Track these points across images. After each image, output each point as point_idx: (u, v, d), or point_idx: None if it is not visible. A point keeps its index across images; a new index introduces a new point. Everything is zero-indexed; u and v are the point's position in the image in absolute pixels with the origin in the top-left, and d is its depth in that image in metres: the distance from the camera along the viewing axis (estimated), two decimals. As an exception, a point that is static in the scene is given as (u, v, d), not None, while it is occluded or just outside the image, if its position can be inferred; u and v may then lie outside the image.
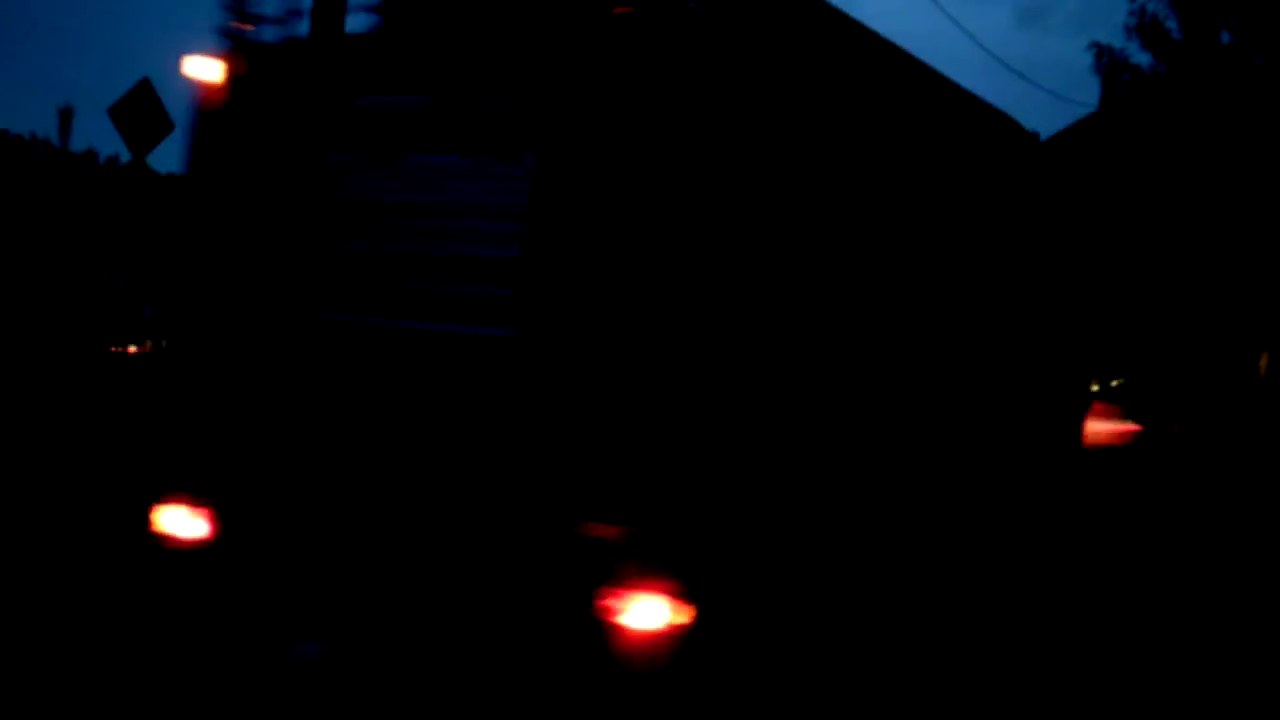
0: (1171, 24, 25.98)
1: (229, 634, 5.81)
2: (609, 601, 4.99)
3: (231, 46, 6.15)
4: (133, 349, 20.79)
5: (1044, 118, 18.38)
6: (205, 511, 5.95)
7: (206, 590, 5.94)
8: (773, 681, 5.71)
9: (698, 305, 5.15)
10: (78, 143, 50.26)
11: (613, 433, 5.06)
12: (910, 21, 24.91)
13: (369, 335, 5.66)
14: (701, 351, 5.19)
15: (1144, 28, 25.96)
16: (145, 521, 6.06)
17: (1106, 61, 26.36)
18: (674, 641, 4.99)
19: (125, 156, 18.49)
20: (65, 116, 53.83)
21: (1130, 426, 13.63)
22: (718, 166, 5.21)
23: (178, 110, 14.54)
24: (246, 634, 5.78)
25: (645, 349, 5.07)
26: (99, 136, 67.29)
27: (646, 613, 4.94)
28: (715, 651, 5.23)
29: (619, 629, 4.95)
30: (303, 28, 6.45)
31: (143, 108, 14.50)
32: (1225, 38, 25.67)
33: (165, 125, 14.55)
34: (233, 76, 6.07)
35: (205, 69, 6.07)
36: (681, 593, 5.00)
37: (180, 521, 5.99)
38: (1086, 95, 45.44)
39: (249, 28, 6.13)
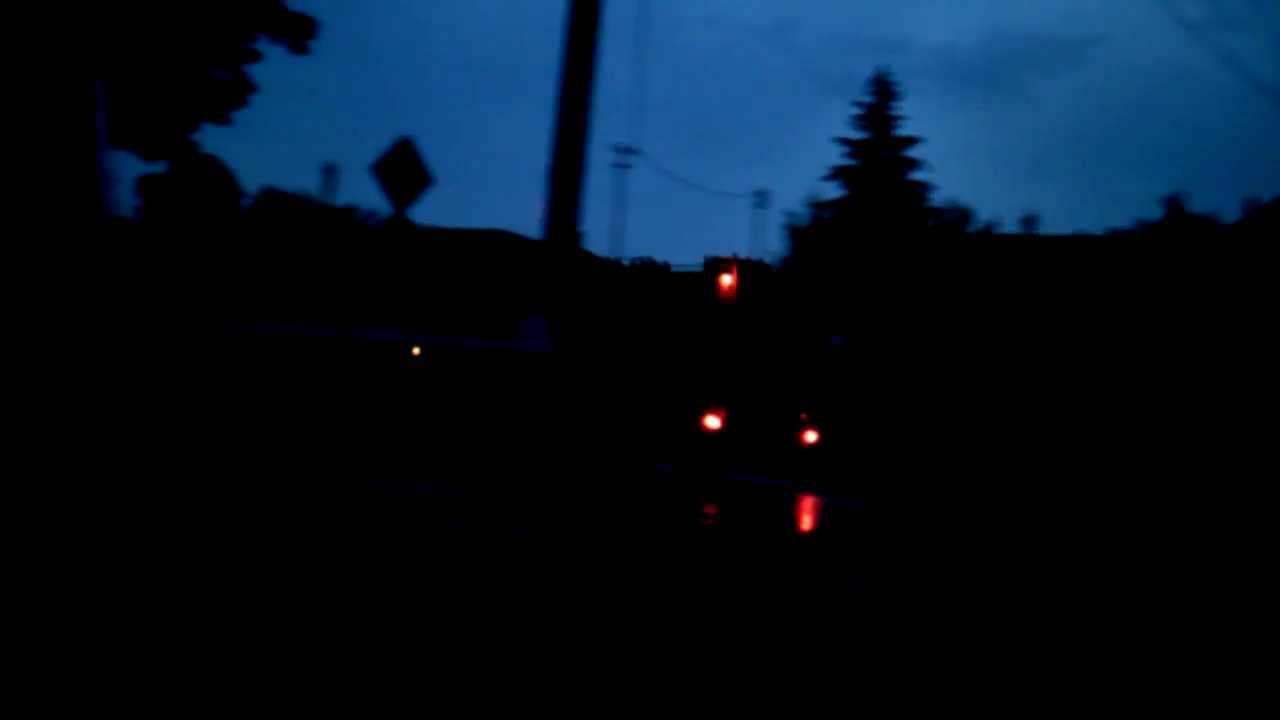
0: None
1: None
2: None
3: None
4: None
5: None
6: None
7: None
8: None
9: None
10: (341, 198, 53.00)
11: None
12: (1174, 50, 23.79)
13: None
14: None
15: None
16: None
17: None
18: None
19: (386, 211, 19.32)
20: (329, 174, 57.09)
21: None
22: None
23: (434, 166, 15.22)
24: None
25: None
26: (361, 192, 70.72)
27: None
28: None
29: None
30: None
31: (403, 165, 15.11)
32: None
33: (424, 180, 15.12)
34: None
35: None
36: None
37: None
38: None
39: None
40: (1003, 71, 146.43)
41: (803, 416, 22.71)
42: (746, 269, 33.74)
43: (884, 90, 45.03)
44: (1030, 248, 35.13)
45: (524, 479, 14.65)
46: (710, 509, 15.56)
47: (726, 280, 30.75)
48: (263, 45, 21.85)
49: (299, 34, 21.73)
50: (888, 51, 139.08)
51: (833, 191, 45.20)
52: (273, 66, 22.61)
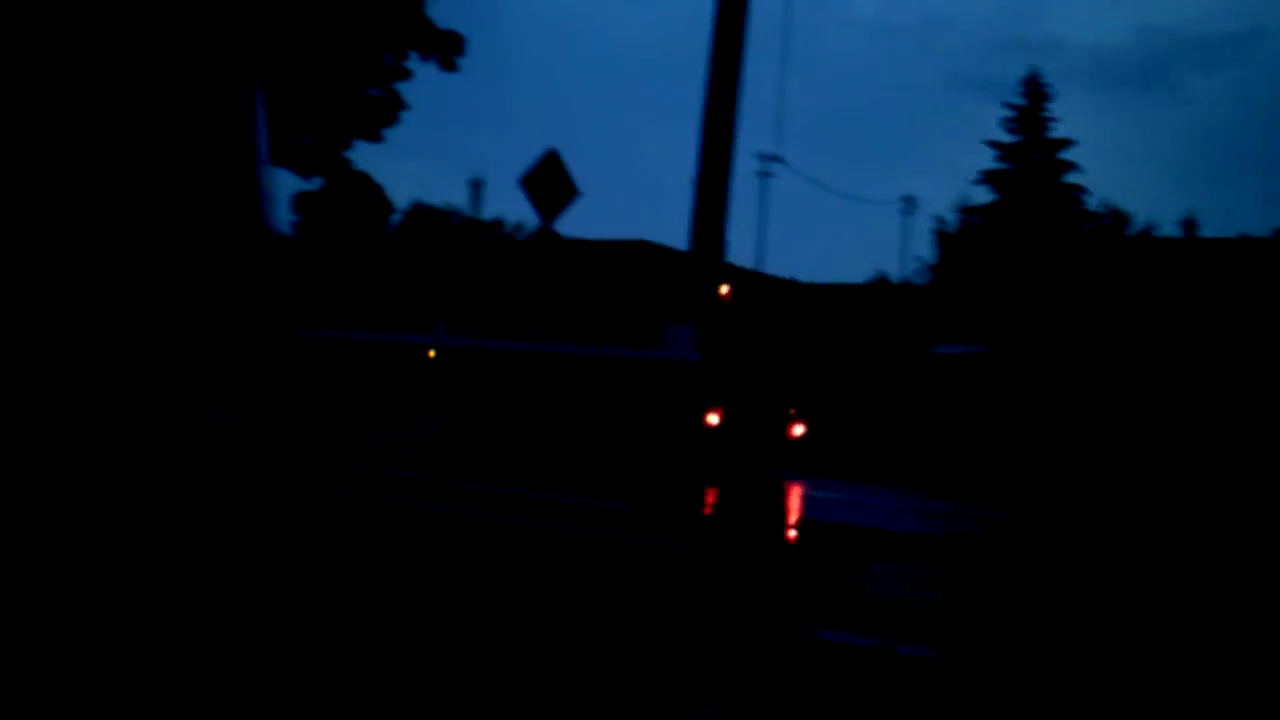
0: None
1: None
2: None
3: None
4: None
5: None
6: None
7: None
8: None
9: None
10: (487, 211, 54.01)
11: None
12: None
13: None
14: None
15: None
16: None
17: None
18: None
19: (532, 223, 19.55)
20: (476, 187, 58.22)
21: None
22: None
23: (581, 178, 15.38)
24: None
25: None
26: (507, 205, 72.07)
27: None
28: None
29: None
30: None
31: (551, 177, 15.31)
32: None
33: (571, 192, 15.28)
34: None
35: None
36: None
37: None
38: None
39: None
40: (1157, 69, 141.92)
41: (791, 411, 22.55)
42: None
43: (1035, 91, 44.02)
44: (1191, 251, 33.92)
45: (663, 488, 14.60)
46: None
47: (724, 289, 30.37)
48: (413, 63, 22.36)
49: (448, 51, 22.18)
50: (1037, 52, 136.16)
51: (983, 196, 44.35)
52: (423, 83, 23.11)
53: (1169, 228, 41.41)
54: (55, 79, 3.18)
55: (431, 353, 22.29)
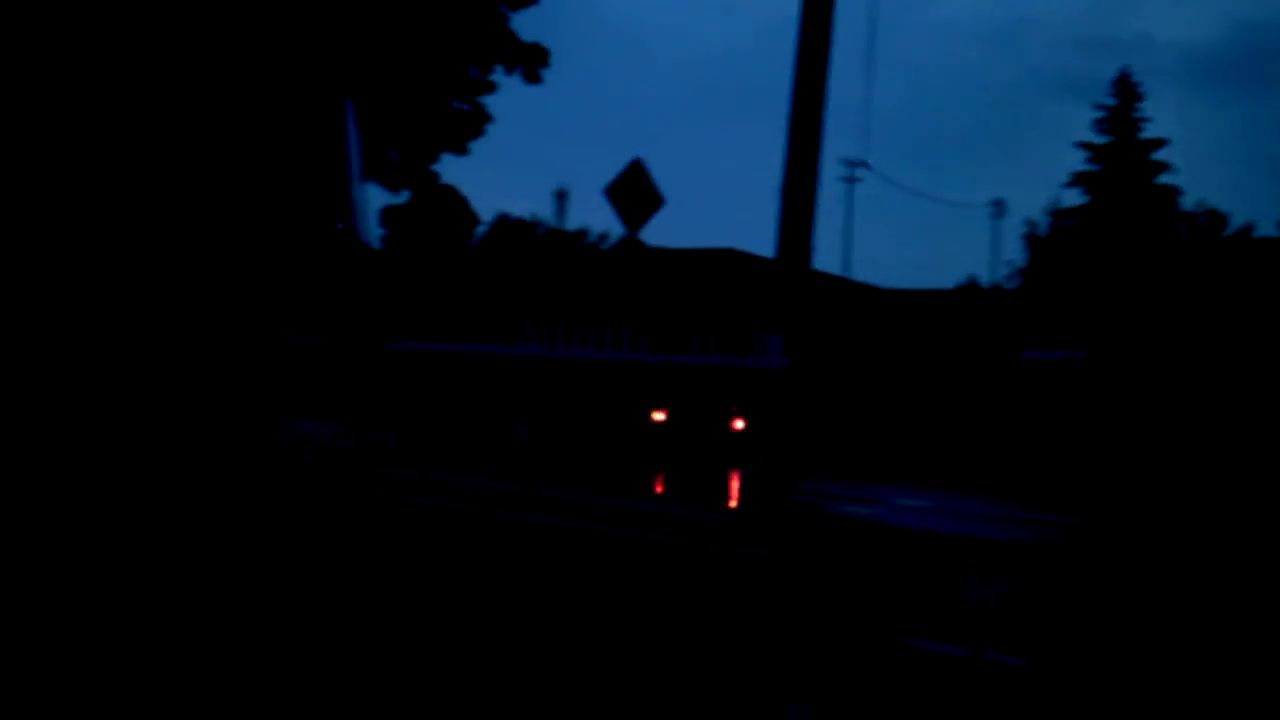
0: None
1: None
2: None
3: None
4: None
5: None
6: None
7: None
8: None
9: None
10: (572, 221, 54.31)
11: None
12: None
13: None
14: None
15: None
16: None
17: None
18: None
19: (617, 232, 19.54)
20: (560, 198, 58.62)
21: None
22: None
23: (665, 187, 15.35)
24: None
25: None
26: (592, 215, 72.35)
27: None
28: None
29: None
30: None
31: (636, 186, 15.29)
32: None
33: (656, 201, 15.26)
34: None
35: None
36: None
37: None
38: None
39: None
40: (1250, 65, 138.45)
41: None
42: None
43: (1126, 91, 43.21)
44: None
45: (755, 495, 14.52)
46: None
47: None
48: (498, 76, 22.53)
49: (532, 63, 22.30)
50: (1126, 50, 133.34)
51: (1074, 199, 43.60)
52: (508, 95, 23.26)
53: (1268, 227, 40.37)
54: (160, 97, 3.23)
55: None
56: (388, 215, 29.58)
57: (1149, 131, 42.97)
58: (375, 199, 23.83)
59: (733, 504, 15.80)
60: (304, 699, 5.65)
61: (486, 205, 61.28)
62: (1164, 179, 42.70)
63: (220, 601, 7.33)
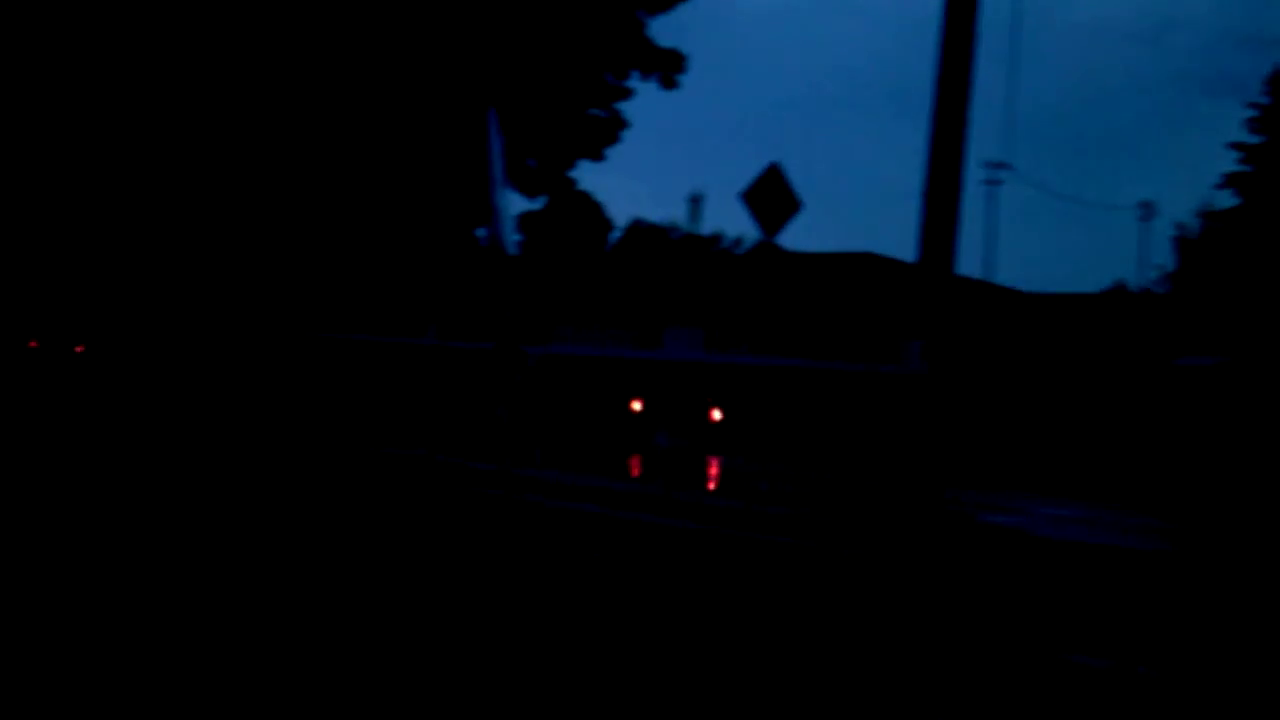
0: None
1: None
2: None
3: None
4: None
5: None
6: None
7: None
8: None
9: None
10: (706, 226, 54.27)
11: None
12: None
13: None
14: None
15: None
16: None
17: None
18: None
19: (752, 237, 19.44)
20: (695, 203, 58.60)
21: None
22: None
23: (803, 190, 15.19)
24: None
25: None
26: (726, 220, 72.18)
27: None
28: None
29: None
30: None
31: (773, 191, 15.14)
32: None
33: (793, 206, 15.09)
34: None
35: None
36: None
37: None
38: None
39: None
40: None
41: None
42: None
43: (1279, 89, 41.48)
44: None
45: (897, 501, 14.27)
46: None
47: None
48: (634, 82, 22.62)
49: (669, 69, 22.34)
50: (1276, 47, 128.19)
51: (1226, 201, 42.05)
52: (644, 101, 23.32)
53: None
54: (316, 111, 3.29)
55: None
56: (525, 221, 29.91)
57: (1306, 129, 41.17)
58: (514, 205, 24.18)
59: (882, 508, 15.56)
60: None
61: (621, 211, 61.62)
62: (1322, 179, 40.86)
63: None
